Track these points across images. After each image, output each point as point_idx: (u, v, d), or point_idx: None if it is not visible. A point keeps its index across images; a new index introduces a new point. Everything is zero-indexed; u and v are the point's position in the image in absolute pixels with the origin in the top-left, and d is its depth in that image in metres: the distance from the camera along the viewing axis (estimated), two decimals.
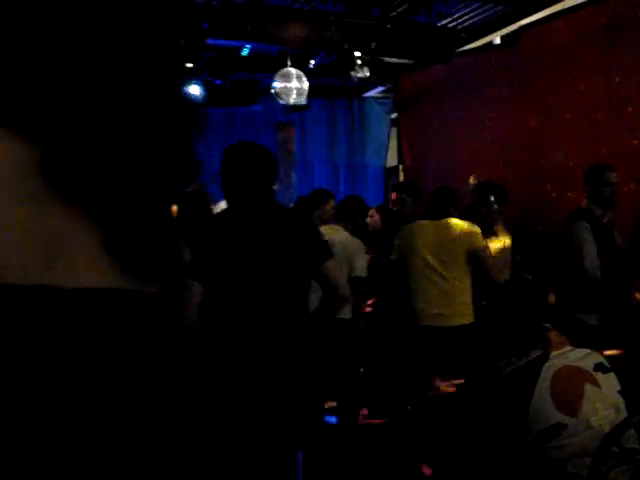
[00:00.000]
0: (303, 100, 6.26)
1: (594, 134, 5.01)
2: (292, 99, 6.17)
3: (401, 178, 7.91)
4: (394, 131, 8.24)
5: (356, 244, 4.00)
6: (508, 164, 5.86)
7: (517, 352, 2.00)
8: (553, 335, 2.00)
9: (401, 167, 7.97)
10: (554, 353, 1.95)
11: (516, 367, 1.96)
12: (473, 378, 2.17)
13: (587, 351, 2.01)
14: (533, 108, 5.63)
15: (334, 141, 8.40)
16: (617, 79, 4.85)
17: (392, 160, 8.31)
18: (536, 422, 1.84)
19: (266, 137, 8.27)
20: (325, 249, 2.44)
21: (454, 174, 6.56)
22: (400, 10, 5.83)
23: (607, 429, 1.80)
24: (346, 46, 5.60)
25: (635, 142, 4.69)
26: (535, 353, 1.97)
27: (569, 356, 1.96)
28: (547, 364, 1.91)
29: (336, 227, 4.06)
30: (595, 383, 1.89)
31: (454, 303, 3.74)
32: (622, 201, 4.40)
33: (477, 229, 3.82)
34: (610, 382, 1.92)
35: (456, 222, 3.84)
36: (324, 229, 4.06)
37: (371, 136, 8.39)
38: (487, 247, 3.84)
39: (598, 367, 1.94)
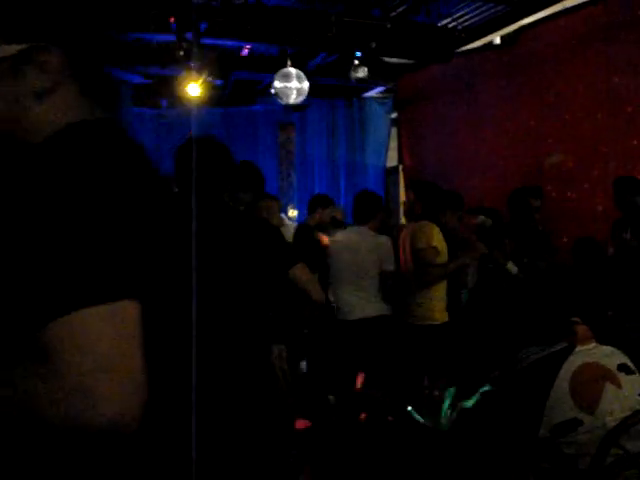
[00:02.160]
0: (303, 100, 6.26)
1: (594, 134, 5.01)
2: (292, 99, 6.17)
3: (401, 178, 7.91)
4: (394, 131, 8.24)
5: (383, 240, 4.11)
6: (508, 164, 5.86)
7: (541, 342, 1.97)
8: (580, 329, 1.97)
9: (401, 167, 7.97)
10: (579, 348, 1.92)
11: (539, 357, 1.94)
12: (496, 367, 2.15)
13: (612, 349, 1.97)
14: (533, 108, 5.63)
15: (334, 141, 8.39)
16: (617, 79, 4.84)
17: (392, 160, 8.31)
18: (553, 415, 1.82)
19: (266, 137, 8.27)
20: (291, 254, 2.34)
21: (454, 174, 6.56)
22: (400, 10, 5.83)
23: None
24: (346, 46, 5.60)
25: (635, 142, 4.69)
26: (560, 345, 1.94)
27: (594, 352, 1.92)
28: (571, 357, 1.88)
29: (362, 229, 4.12)
30: (617, 383, 1.86)
31: None
32: None
33: None
34: (633, 384, 1.88)
35: None
36: (347, 232, 4.14)
37: (371, 136, 8.38)
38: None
39: (622, 367, 1.90)
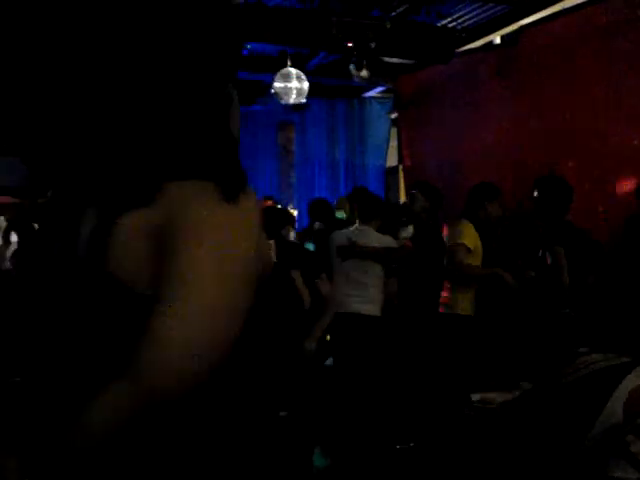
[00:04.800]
0: (303, 100, 6.26)
1: (594, 134, 5.01)
2: (292, 99, 6.17)
3: (401, 178, 7.90)
4: (394, 131, 8.23)
5: (388, 240, 4.32)
6: (508, 164, 5.86)
7: (607, 350, 1.78)
8: None
9: (401, 167, 7.97)
10: None
11: (599, 368, 1.73)
12: (538, 382, 2.00)
13: None
14: (533, 108, 5.62)
15: (334, 141, 8.39)
16: (617, 79, 4.84)
17: (392, 160, 8.30)
18: (601, 430, 1.66)
19: (266, 137, 8.27)
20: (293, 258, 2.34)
21: (454, 174, 6.56)
22: (400, 10, 5.82)
23: None
24: (348, 45, 5.60)
25: (635, 142, 4.69)
26: (624, 359, 1.73)
27: None
28: (631, 375, 1.67)
29: (366, 227, 4.28)
30: None
31: None
32: (622, 201, 4.39)
33: None
34: None
35: None
36: (354, 231, 4.28)
37: (371, 136, 8.38)
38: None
39: None
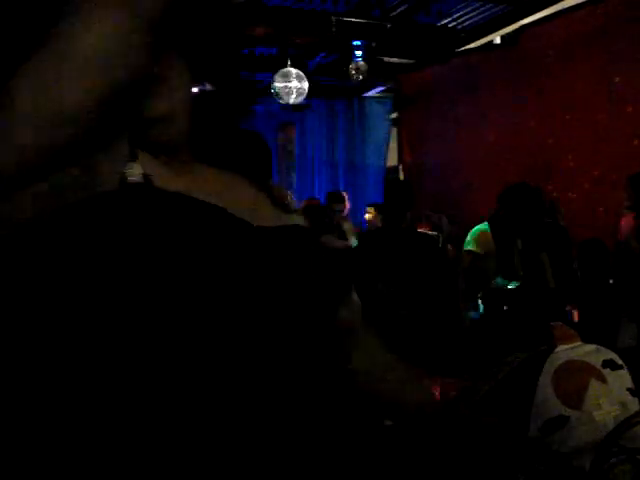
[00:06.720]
0: (303, 100, 6.26)
1: (594, 134, 5.01)
2: (292, 99, 6.17)
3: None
4: (394, 131, 8.23)
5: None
6: (508, 164, 5.86)
7: (522, 348, 1.98)
8: (558, 330, 1.97)
9: (401, 167, 7.97)
10: (560, 347, 1.93)
11: (521, 361, 1.94)
12: (477, 377, 2.12)
13: (596, 347, 1.97)
14: (533, 108, 5.62)
15: (334, 141, 8.38)
16: (617, 79, 4.85)
17: (392, 160, 8.30)
18: (540, 413, 1.82)
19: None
20: None
21: (454, 174, 6.56)
22: (400, 10, 5.83)
23: (611, 425, 1.77)
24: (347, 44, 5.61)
25: (635, 142, 4.69)
26: (540, 348, 1.96)
27: (576, 351, 1.93)
28: (552, 356, 1.90)
29: None
30: (601, 378, 1.85)
31: None
32: (622, 201, 4.39)
33: None
34: (619, 379, 1.88)
35: None
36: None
37: (371, 136, 8.37)
38: None
39: (607, 363, 1.89)
